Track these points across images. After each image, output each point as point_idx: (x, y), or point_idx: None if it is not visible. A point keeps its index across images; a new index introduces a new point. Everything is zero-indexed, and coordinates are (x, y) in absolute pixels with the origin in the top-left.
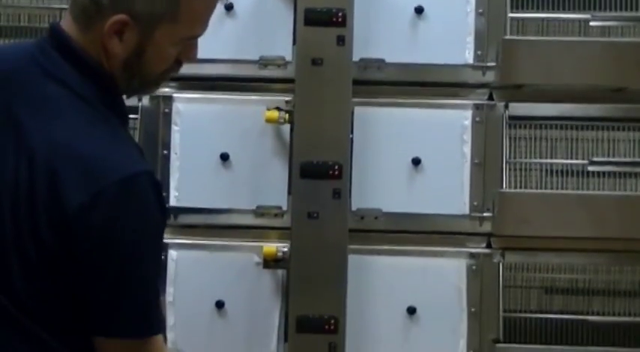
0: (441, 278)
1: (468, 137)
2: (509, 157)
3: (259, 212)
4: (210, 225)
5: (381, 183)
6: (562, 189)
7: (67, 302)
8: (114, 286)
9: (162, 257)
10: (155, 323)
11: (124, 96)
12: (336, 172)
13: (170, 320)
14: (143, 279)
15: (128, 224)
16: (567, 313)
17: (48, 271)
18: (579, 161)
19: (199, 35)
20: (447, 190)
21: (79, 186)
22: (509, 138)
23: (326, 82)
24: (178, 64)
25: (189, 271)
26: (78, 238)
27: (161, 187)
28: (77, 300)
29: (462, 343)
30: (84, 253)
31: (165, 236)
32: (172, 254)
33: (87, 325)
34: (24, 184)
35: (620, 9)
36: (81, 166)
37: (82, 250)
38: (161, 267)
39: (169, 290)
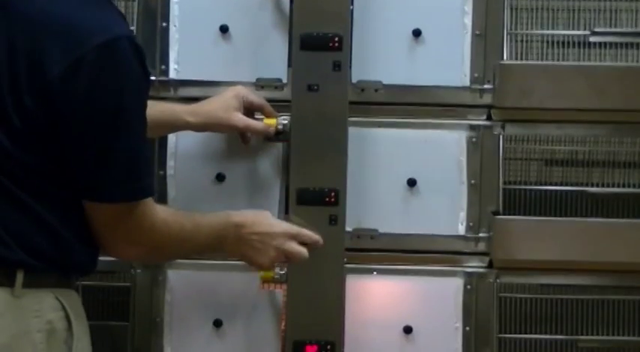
0: (441, 150)
1: (469, 8)
2: (511, 28)
3: (259, 84)
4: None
5: (381, 56)
6: (563, 60)
7: (54, 170)
8: (100, 151)
9: None
10: (144, 187)
11: None
12: (337, 44)
13: (171, 193)
14: (129, 143)
15: (110, 88)
16: (567, 184)
17: (33, 139)
18: (581, 32)
19: None
20: (448, 61)
21: (59, 52)
22: (511, 8)
23: None
24: None
25: (188, 143)
26: (61, 104)
27: (143, 50)
28: (64, 168)
29: (462, 215)
30: (68, 119)
31: None
32: None
33: (75, 191)
34: (3, 57)
35: None
36: (60, 33)
37: (67, 116)
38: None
39: (170, 163)
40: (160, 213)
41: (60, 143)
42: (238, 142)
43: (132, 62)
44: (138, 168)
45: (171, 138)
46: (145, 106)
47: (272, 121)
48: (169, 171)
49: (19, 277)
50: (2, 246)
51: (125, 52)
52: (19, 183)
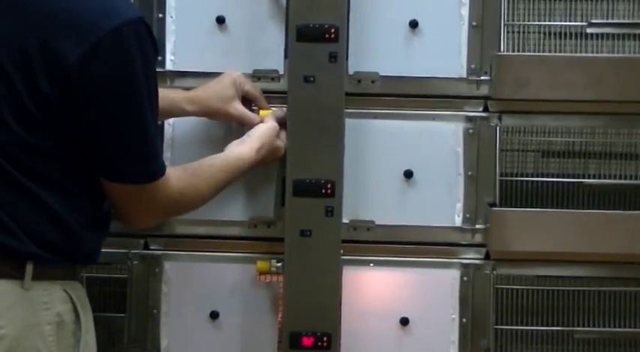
0: (438, 141)
1: None
2: (507, 19)
3: (256, 75)
4: None
5: (378, 47)
6: (560, 51)
7: (64, 155)
8: (117, 132)
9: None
10: (159, 166)
11: None
12: (333, 35)
13: None
14: (145, 123)
15: (127, 71)
16: (563, 176)
17: (48, 124)
18: (578, 23)
19: None
20: (445, 53)
21: (73, 40)
22: None
23: None
24: None
25: (185, 134)
26: (79, 88)
27: (152, 30)
28: (76, 152)
29: (459, 206)
30: (86, 102)
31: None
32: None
33: (92, 171)
34: (15, 52)
35: None
36: (70, 22)
37: (85, 99)
38: (158, 112)
39: (166, 154)
40: (174, 183)
41: (76, 126)
42: (234, 131)
43: (145, 45)
44: (154, 147)
45: (168, 128)
46: (157, 87)
47: (266, 113)
48: (166, 162)
49: (29, 269)
50: (12, 237)
51: (138, 34)
52: (28, 171)
